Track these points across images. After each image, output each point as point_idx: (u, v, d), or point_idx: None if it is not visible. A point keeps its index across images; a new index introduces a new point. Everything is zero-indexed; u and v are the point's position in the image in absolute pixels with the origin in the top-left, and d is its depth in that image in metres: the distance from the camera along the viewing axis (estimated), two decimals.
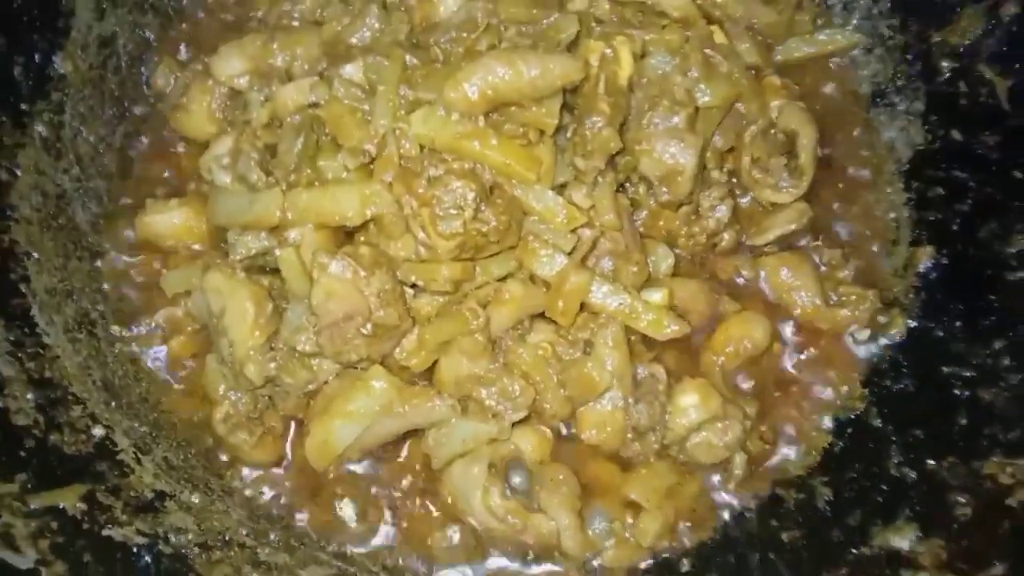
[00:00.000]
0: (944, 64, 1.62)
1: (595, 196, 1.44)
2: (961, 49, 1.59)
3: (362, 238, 1.43)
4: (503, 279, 1.42)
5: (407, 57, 1.43)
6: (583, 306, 1.42)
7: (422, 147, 1.39)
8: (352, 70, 1.46)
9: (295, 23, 1.65)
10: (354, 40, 1.51)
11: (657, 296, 1.45)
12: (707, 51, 1.53)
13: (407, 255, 1.40)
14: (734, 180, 1.60)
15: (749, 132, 1.56)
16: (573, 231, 1.42)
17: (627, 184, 1.54)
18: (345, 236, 1.45)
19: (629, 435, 1.44)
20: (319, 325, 1.33)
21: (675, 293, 1.49)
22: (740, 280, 1.59)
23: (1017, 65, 1.52)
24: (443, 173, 1.37)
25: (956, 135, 1.59)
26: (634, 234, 1.49)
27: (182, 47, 1.77)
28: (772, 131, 1.58)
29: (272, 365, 1.39)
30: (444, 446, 1.39)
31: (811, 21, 1.75)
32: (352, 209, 1.38)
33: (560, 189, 1.44)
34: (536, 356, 1.40)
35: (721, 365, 1.49)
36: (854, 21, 1.75)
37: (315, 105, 1.46)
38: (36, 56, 1.56)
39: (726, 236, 1.58)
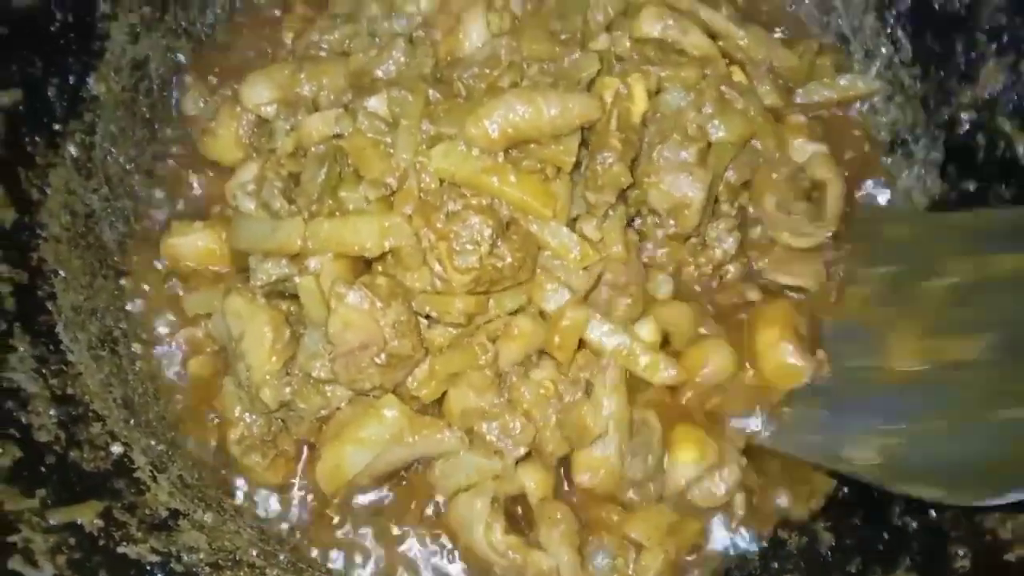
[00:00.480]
0: (963, 116, 1.63)
1: (604, 228, 1.46)
2: (981, 102, 1.60)
3: (380, 268, 1.46)
4: (514, 313, 1.45)
5: (430, 92, 1.46)
6: (583, 343, 1.45)
7: (442, 181, 1.42)
8: (376, 103, 1.50)
9: (323, 53, 1.68)
10: (379, 73, 1.55)
11: (646, 330, 1.48)
12: (723, 88, 1.56)
13: (423, 287, 1.43)
14: (747, 211, 1.62)
15: (779, 173, 1.58)
16: (585, 268, 1.44)
17: (636, 217, 1.56)
18: (364, 265, 1.48)
19: (627, 487, 1.47)
20: (335, 353, 1.37)
21: (662, 315, 1.50)
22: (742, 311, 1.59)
23: None
24: (461, 208, 1.40)
25: (971, 186, 1.60)
26: (639, 269, 1.51)
27: (212, 73, 1.80)
28: (800, 175, 1.60)
29: (287, 390, 1.42)
30: (450, 478, 1.42)
31: (832, 66, 1.77)
32: (371, 240, 1.41)
33: (572, 223, 1.46)
34: (538, 394, 1.42)
35: (690, 400, 1.51)
36: (875, 68, 1.77)
37: (339, 136, 1.50)
38: (71, 78, 1.61)
39: (732, 268, 1.59)
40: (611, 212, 1.47)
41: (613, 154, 1.43)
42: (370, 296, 1.37)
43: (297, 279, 1.44)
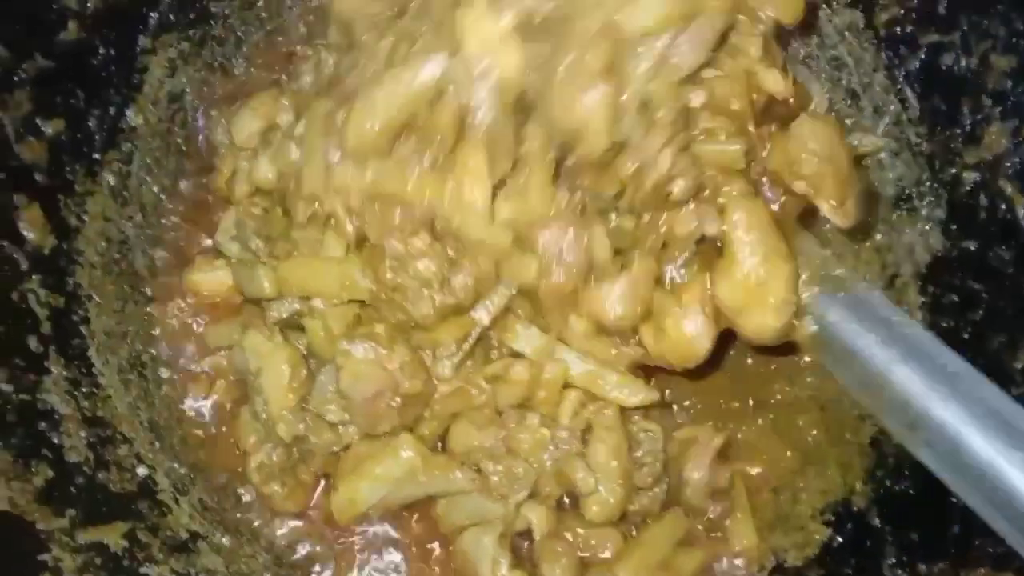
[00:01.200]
0: (967, 175, 1.67)
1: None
2: (984, 163, 1.65)
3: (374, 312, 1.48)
4: (516, 355, 1.46)
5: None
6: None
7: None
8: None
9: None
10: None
11: None
12: None
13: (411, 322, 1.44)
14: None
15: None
16: None
17: None
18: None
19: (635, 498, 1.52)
20: (351, 406, 1.42)
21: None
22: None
23: None
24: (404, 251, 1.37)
25: (973, 246, 1.65)
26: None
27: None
28: None
29: (301, 426, 1.48)
30: (452, 515, 1.48)
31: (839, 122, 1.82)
32: (331, 290, 1.45)
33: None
34: (534, 440, 1.46)
35: None
36: (884, 125, 1.82)
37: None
38: (111, 109, 1.68)
39: (679, 183, 1.34)
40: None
41: None
42: (374, 345, 1.41)
43: (305, 320, 1.49)
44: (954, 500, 1.42)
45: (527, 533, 1.52)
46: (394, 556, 1.54)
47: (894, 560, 1.43)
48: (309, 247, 1.47)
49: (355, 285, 1.42)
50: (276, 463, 1.52)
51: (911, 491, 1.53)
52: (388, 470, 1.44)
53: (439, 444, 1.52)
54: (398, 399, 1.42)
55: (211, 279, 1.65)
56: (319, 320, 1.46)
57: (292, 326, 1.55)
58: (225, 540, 1.50)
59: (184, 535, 1.46)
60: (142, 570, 1.36)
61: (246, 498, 1.58)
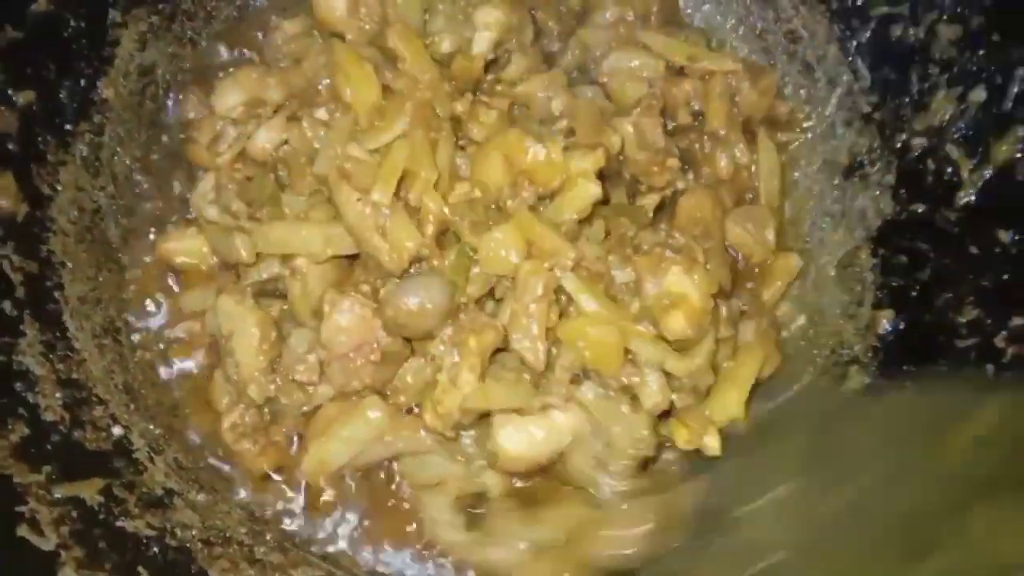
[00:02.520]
0: (915, 142, 1.74)
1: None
2: (932, 129, 1.72)
3: (358, 270, 1.55)
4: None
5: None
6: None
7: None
8: (323, 114, 1.58)
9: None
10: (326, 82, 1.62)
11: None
12: None
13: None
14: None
15: None
16: None
17: None
18: (348, 262, 1.57)
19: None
20: (329, 357, 1.46)
21: None
22: None
23: (980, 148, 1.64)
24: None
25: (921, 209, 1.71)
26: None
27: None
28: None
29: (272, 387, 1.52)
30: (414, 475, 1.54)
31: (788, 113, 1.90)
32: (316, 246, 1.50)
33: None
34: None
35: None
36: (836, 95, 1.89)
37: (286, 143, 1.59)
38: (82, 81, 1.70)
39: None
40: None
41: None
42: (362, 299, 1.46)
43: (287, 283, 1.54)
44: None
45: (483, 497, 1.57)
46: (359, 512, 1.58)
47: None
48: (296, 214, 1.53)
49: (340, 240, 1.47)
50: (248, 423, 1.56)
51: None
52: (357, 431, 1.49)
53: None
54: (377, 354, 1.45)
55: (185, 247, 1.68)
56: (299, 280, 1.50)
57: (267, 293, 1.59)
58: (200, 497, 1.53)
59: (160, 492, 1.49)
60: (118, 523, 1.39)
61: (221, 457, 1.61)
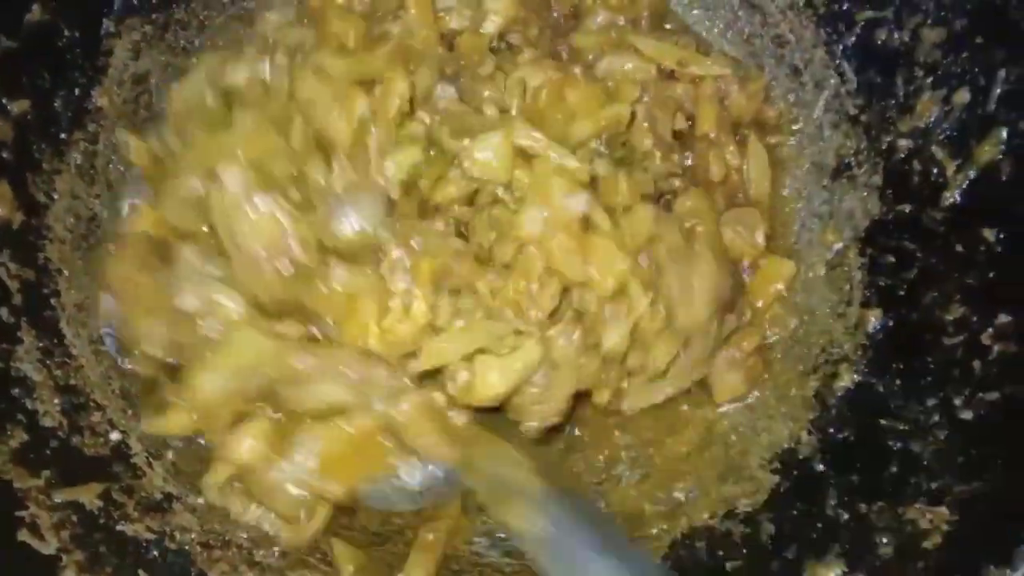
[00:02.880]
0: (901, 143, 1.77)
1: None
2: (917, 131, 1.74)
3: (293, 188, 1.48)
4: None
5: None
6: None
7: None
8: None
9: None
10: None
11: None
12: None
13: None
14: None
15: None
16: None
17: None
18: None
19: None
20: (240, 258, 1.41)
21: None
22: None
23: (964, 148, 1.67)
24: None
25: (907, 209, 1.74)
26: None
27: None
28: None
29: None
30: (305, 403, 1.46)
31: (776, 116, 1.92)
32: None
33: None
34: None
35: None
36: (824, 98, 1.91)
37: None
38: (76, 90, 1.72)
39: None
40: None
41: None
42: (283, 203, 1.41)
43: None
44: (892, 444, 1.53)
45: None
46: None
47: (836, 501, 1.52)
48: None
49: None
50: None
51: (851, 438, 1.62)
52: (233, 359, 1.44)
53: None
54: (290, 265, 1.40)
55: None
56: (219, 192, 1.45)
57: None
58: (200, 500, 1.54)
59: (159, 496, 1.50)
60: (118, 527, 1.41)
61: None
